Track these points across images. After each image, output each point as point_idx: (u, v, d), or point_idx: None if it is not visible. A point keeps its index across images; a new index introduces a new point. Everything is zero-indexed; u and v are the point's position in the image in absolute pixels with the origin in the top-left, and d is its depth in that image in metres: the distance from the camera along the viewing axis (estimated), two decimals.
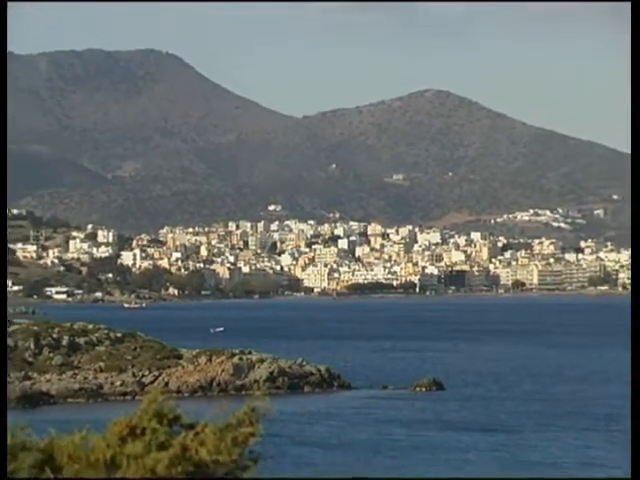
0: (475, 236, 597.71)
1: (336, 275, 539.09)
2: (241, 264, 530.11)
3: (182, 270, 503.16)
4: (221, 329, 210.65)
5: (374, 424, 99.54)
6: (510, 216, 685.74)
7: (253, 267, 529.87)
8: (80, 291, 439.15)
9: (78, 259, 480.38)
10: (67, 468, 10.51)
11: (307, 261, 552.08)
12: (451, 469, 77.59)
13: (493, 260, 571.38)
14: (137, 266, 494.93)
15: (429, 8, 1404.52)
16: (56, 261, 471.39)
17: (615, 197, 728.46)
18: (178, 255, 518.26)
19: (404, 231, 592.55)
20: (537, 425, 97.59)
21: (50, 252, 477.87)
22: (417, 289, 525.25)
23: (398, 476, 40.81)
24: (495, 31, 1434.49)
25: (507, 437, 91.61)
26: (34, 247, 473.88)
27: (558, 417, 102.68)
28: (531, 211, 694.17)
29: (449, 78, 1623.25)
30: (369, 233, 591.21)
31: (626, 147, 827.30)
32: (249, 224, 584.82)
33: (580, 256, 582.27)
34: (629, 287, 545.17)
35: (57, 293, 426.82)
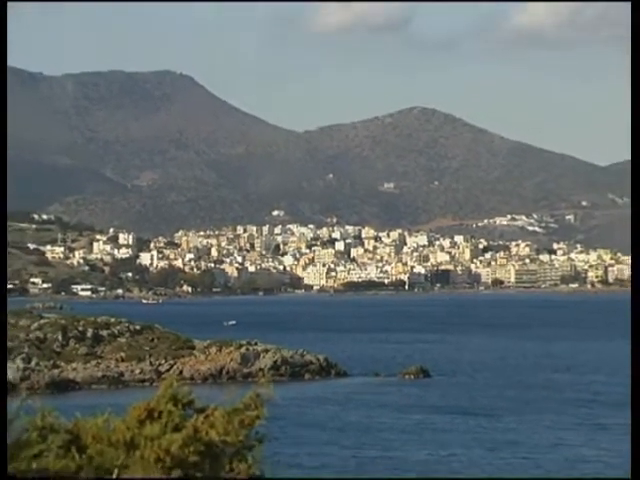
0: (458, 239, 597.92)
1: (333, 274, 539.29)
2: (248, 264, 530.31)
3: (195, 269, 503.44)
4: (233, 322, 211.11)
5: (366, 408, 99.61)
6: (490, 221, 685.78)
7: (258, 267, 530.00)
8: (103, 288, 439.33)
9: (101, 259, 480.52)
10: (91, 448, 10.56)
11: (307, 261, 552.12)
12: (434, 448, 77.65)
13: (474, 260, 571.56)
14: (154, 266, 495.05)
15: (418, 33, 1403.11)
16: (81, 261, 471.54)
17: (584, 204, 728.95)
18: (191, 256, 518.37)
19: (394, 234, 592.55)
20: (514, 409, 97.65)
21: (76, 253, 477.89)
22: (406, 287, 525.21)
23: (398, 476, 40.44)
24: (477, 54, 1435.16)
25: (486, 420, 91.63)
26: (61, 249, 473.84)
27: (534, 402, 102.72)
28: (509, 216, 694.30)
29: (435, 96, 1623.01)
30: (363, 236, 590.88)
31: (594, 159, 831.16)
32: (255, 228, 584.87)
33: (553, 257, 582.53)
34: (597, 285, 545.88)
35: (82, 290, 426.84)
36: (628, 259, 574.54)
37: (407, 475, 68.21)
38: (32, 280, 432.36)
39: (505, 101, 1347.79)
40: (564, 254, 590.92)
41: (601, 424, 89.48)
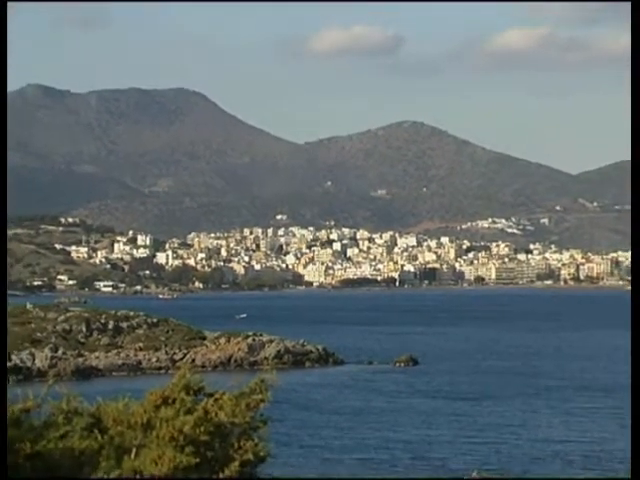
0: (444, 240, 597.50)
1: (331, 272, 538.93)
2: (254, 263, 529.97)
3: (206, 268, 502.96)
4: (244, 315, 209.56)
5: (360, 392, 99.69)
6: (472, 224, 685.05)
7: (264, 265, 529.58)
8: (123, 285, 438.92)
9: (121, 259, 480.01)
10: (112, 429, 10.57)
11: (307, 260, 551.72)
12: (421, 428, 77.62)
13: (459, 259, 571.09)
14: (169, 264, 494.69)
15: (408, 55, 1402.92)
16: (103, 260, 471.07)
17: (557, 208, 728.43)
18: (202, 255, 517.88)
19: (386, 236, 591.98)
20: (493, 394, 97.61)
21: (98, 253, 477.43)
22: (397, 283, 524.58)
23: (398, 476, 40.14)
24: (459, 74, 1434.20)
25: (467, 403, 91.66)
26: (85, 249, 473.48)
27: (512, 387, 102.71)
28: (489, 219, 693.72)
29: (423, 112, 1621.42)
30: (358, 237, 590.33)
31: (566, 167, 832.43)
32: (260, 230, 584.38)
33: (529, 256, 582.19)
34: (570, 282, 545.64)
35: (104, 286, 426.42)
36: (597, 258, 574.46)
37: (400, 473, 68.09)
38: (59, 277, 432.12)
39: (486, 116, 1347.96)
40: (539, 254, 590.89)
41: (570, 407, 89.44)
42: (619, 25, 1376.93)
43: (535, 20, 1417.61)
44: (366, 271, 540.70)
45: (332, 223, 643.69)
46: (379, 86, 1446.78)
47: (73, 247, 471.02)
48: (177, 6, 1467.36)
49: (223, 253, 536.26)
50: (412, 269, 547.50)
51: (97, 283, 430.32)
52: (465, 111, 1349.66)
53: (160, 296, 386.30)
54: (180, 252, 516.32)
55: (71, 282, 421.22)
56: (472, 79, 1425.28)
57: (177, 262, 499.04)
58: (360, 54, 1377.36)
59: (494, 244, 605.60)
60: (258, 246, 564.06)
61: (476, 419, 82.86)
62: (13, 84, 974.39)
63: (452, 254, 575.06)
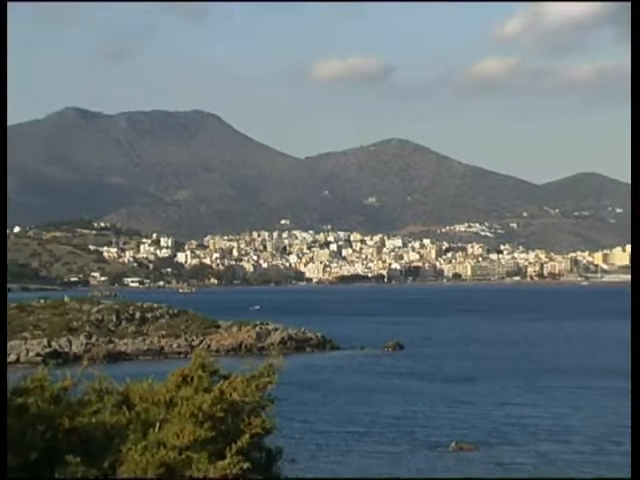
0: (426, 242, 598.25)
1: (328, 269, 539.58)
2: (261, 261, 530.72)
3: (220, 266, 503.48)
4: (257, 307, 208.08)
5: (353, 374, 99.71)
6: (451, 227, 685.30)
7: (270, 264, 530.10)
8: (148, 281, 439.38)
9: (146, 258, 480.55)
10: (138, 406, 10.52)
11: (308, 259, 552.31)
12: (405, 405, 77.59)
13: (439, 259, 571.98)
14: (188, 263, 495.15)
15: (397, 81, 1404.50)
16: (131, 259, 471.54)
17: (524, 214, 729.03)
18: (217, 255, 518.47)
19: (376, 238, 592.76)
20: (470, 376, 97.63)
21: (127, 253, 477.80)
22: (385, 279, 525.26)
23: (398, 476, 40.01)
24: (441, 97, 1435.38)
25: (447, 384, 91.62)
26: (115, 249, 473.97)
27: (486, 370, 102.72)
28: (466, 224, 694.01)
29: (408, 130, 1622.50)
30: (351, 240, 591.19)
31: (531, 179, 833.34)
32: (267, 233, 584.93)
33: (500, 256, 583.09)
34: (535, 278, 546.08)
35: (132, 282, 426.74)
36: (559, 257, 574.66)
37: (385, 444, 68.03)
38: (92, 274, 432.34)
39: (463, 134, 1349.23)
40: (509, 254, 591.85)
41: (537, 387, 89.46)
42: (583, 54, 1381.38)
43: (508, 50, 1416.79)
44: (359, 269, 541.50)
45: (329, 227, 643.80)
46: (371, 108, 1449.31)
47: (105, 248, 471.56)
48: (195, 39, 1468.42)
49: (235, 253, 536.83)
50: (398, 267, 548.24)
51: (125, 279, 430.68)
52: (445, 130, 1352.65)
53: (180, 290, 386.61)
54: (197, 252, 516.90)
55: (103, 278, 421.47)
56: (453, 103, 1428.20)
57: (195, 261, 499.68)
58: (355, 81, 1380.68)
59: (469, 245, 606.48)
60: (265, 247, 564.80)
61: (454, 397, 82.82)
62: (54, 107, 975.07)
63: (433, 254, 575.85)
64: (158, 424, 10.20)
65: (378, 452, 59.38)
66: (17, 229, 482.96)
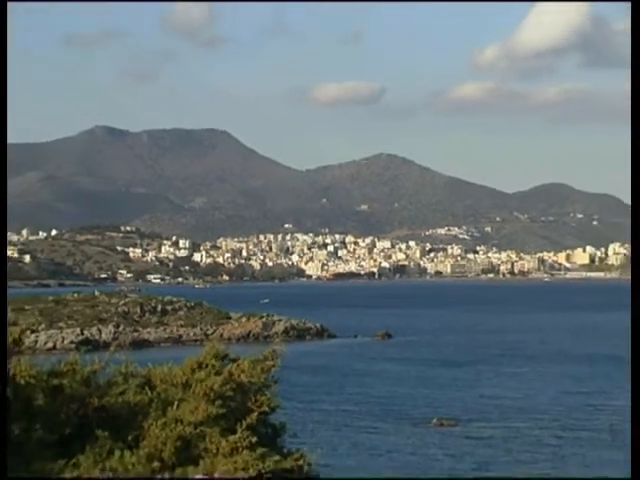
0: (411, 243, 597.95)
1: (326, 267, 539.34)
2: (267, 260, 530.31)
3: (231, 264, 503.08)
4: (267, 300, 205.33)
5: (347, 359, 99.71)
6: (433, 231, 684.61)
7: (275, 262, 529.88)
8: (168, 277, 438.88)
9: (167, 257, 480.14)
10: (159, 387, 10.54)
11: (308, 259, 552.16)
12: (392, 386, 77.61)
13: (422, 258, 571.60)
14: (203, 262, 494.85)
15: (388, 102, 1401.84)
16: (153, 259, 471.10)
17: (497, 219, 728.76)
18: (228, 255, 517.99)
19: (368, 240, 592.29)
20: (450, 360, 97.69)
21: (149, 253, 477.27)
22: (376, 276, 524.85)
23: (398, 476, 40.36)
24: (425, 117, 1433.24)
25: (429, 367, 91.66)
26: (139, 250, 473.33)
27: (464, 355, 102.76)
28: (446, 228, 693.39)
29: (396, 146, 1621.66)
30: (346, 242, 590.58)
31: (504, 188, 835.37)
32: (272, 236, 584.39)
33: (476, 256, 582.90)
34: (507, 275, 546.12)
35: (154, 278, 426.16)
36: (527, 257, 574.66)
37: (374, 420, 67.90)
38: (119, 272, 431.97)
39: (444, 149, 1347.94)
40: (484, 254, 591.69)
41: (508, 371, 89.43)
42: (551, 78, 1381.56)
43: (485, 75, 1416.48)
44: (352, 267, 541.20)
45: (327, 230, 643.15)
46: (364, 127, 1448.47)
47: (130, 249, 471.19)
48: (209, 64, 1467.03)
49: (244, 253, 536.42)
50: (387, 265, 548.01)
51: (148, 276, 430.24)
52: (428, 145, 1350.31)
53: (196, 286, 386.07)
54: (211, 252, 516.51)
55: (129, 275, 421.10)
56: (436, 121, 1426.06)
57: (209, 260, 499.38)
58: (351, 102, 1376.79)
59: (449, 246, 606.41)
60: (270, 248, 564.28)
61: (436, 380, 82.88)
62: (85, 125, 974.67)
63: (417, 254, 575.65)
64: (176, 403, 10.19)
65: (369, 427, 59.42)
66: (54, 232, 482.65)
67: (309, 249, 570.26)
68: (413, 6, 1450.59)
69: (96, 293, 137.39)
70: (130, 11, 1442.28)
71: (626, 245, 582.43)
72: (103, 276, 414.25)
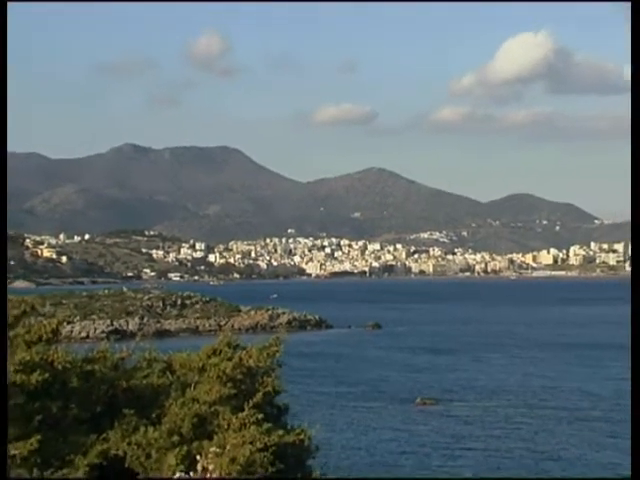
0: (398, 246, 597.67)
1: (324, 267, 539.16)
2: (273, 261, 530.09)
3: (241, 264, 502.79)
4: (275, 296, 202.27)
5: (341, 346, 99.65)
6: (417, 235, 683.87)
7: (279, 262, 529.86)
8: (186, 275, 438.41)
9: (185, 258, 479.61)
10: (178, 371, 10.54)
11: (308, 259, 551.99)
12: (380, 371, 77.52)
13: (408, 259, 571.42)
14: (217, 262, 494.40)
15: (379, 123, 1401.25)
16: (173, 259, 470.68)
17: (473, 225, 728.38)
18: (239, 256, 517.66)
19: (360, 243, 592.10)
20: (432, 348, 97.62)
21: (170, 254, 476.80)
22: (367, 275, 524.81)
23: (399, 476, 40.65)
24: (413, 135, 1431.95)
25: (413, 354, 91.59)
26: (161, 252, 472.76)
27: (446, 343, 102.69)
28: (428, 232, 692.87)
29: (385, 161, 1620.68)
30: (341, 244, 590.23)
31: (479, 197, 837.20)
32: (277, 239, 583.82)
33: (454, 257, 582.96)
34: (482, 273, 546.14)
35: (174, 276, 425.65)
36: (499, 258, 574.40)
37: (366, 400, 67.76)
38: (144, 271, 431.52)
39: (427, 164, 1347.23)
40: (461, 255, 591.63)
41: (485, 357, 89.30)
42: (520, 103, 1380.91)
43: (462, 101, 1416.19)
44: (347, 266, 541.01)
45: (324, 235, 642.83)
46: (357, 145, 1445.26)
47: (154, 250, 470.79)
48: (223, 90, 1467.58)
49: (252, 254, 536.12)
50: (377, 265, 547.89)
51: (169, 274, 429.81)
52: (413, 161, 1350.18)
53: (211, 283, 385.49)
54: (224, 254, 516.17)
55: (152, 274, 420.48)
56: (420, 140, 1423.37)
57: (222, 260, 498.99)
58: (346, 123, 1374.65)
59: (431, 249, 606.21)
60: (276, 250, 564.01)
61: (419, 365, 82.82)
62: (114, 143, 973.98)
63: (403, 255, 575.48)
64: (193, 385, 10.19)
65: (360, 406, 59.37)
66: (87, 236, 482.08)
67: (309, 251, 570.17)
68: (401, 40, 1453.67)
69: (124, 289, 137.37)
70: (157, 44, 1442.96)
71: (584, 247, 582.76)
72: (130, 275, 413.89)
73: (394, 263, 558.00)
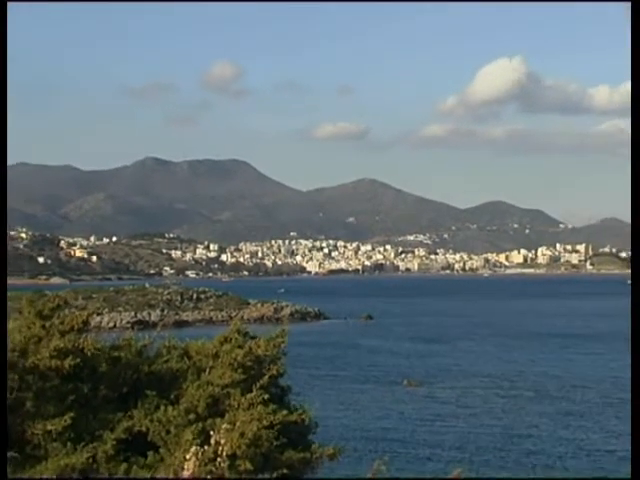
0: (388, 247, 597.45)
1: (322, 265, 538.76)
2: (277, 260, 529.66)
3: (250, 263, 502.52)
4: (282, 290, 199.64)
5: (337, 335, 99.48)
6: (404, 237, 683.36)
7: (283, 261, 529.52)
8: (202, 273, 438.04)
9: (201, 258, 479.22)
10: (194, 357, 10.51)
11: (308, 259, 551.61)
12: (370, 357, 77.40)
13: (396, 258, 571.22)
14: (228, 261, 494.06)
15: (372, 139, 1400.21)
16: (190, 259, 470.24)
17: (453, 228, 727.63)
18: (248, 256, 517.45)
19: (354, 245, 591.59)
20: (417, 337, 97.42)
21: (187, 254, 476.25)
22: (360, 272, 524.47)
23: (399, 477, 40.37)
24: (403, 149, 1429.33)
25: (401, 342, 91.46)
26: (180, 252, 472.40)
27: (430, 333, 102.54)
28: (414, 235, 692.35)
29: (377, 172, 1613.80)
30: (338, 245, 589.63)
31: (458, 204, 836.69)
32: (281, 241, 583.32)
33: (437, 257, 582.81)
34: (460, 271, 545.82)
35: (191, 274, 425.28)
36: (476, 257, 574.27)
37: (357, 381, 67.53)
38: (164, 269, 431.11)
39: (414, 174, 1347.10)
40: (442, 255, 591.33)
41: (463, 345, 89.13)
42: (497, 121, 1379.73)
43: (447, 119, 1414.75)
44: (342, 265, 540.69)
45: (323, 237, 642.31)
46: (352, 158, 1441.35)
47: (173, 251, 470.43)
48: (235, 109, 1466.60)
49: (259, 254, 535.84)
50: (369, 264, 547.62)
51: (187, 272, 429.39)
52: (401, 172, 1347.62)
53: (223, 279, 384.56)
54: (234, 254, 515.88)
55: (171, 271, 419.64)
56: (408, 153, 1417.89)
57: (233, 260, 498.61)
58: (342, 139, 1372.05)
59: (416, 249, 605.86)
60: (280, 250, 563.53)
61: (405, 351, 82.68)
62: (138, 156, 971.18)
63: (392, 255, 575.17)
64: (208, 369, 10.15)
65: (352, 388, 59.29)
66: (114, 239, 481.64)
67: (309, 251, 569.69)
68: (393, 67, 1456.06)
69: (146, 285, 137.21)
70: (176, 70, 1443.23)
71: (551, 248, 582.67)
72: (152, 272, 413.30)
73: (384, 262, 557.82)
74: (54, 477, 7.56)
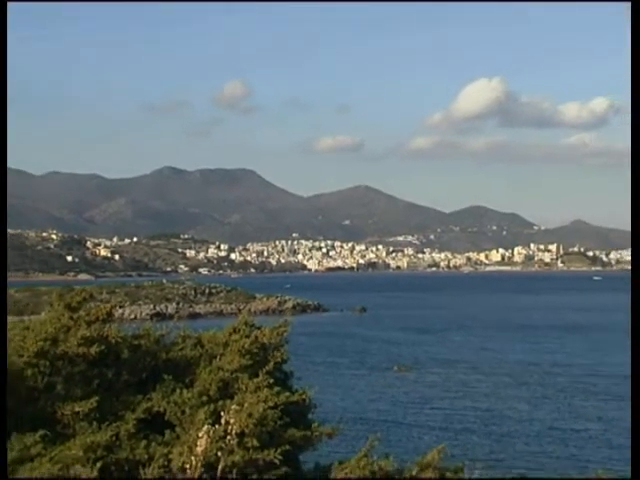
0: (380, 247, 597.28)
1: (321, 263, 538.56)
2: (281, 259, 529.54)
3: (256, 261, 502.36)
4: (288, 286, 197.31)
5: (334, 326, 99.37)
6: (395, 238, 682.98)
7: (286, 260, 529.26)
8: (213, 270, 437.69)
9: (212, 256, 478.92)
10: (207, 346, 10.52)
11: (309, 257, 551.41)
12: (364, 346, 77.30)
13: (387, 257, 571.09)
14: (237, 259, 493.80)
15: (366, 151, 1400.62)
16: (203, 257, 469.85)
17: (438, 230, 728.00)
18: (254, 255, 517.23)
19: (350, 245, 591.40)
20: (407, 327, 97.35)
21: (200, 253, 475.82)
22: (355, 270, 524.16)
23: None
24: (394, 160, 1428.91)
25: (393, 332, 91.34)
26: (193, 251, 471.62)
27: (421, 324, 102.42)
28: (404, 236, 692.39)
29: (370, 180, 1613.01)
30: (335, 245, 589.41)
31: (443, 208, 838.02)
32: (284, 242, 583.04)
33: (424, 255, 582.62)
34: (445, 269, 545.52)
35: (204, 271, 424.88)
36: (459, 256, 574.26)
37: (351, 368, 67.27)
38: (180, 266, 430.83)
39: (404, 182, 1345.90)
40: (429, 254, 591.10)
41: (448, 335, 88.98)
42: (478, 134, 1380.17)
43: (433, 132, 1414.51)
44: (339, 263, 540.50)
45: (322, 238, 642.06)
46: (348, 167, 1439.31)
47: (187, 250, 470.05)
48: (243, 125, 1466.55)
49: (265, 254, 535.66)
50: (363, 262, 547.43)
51: (200, 269, 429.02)
52: (393, 179, 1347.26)
53: (232, 276, 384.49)
54: (243, 253, 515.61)
55: (186, 269, 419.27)
56: (398, 163, 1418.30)
57: (241, 258, 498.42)
58: (340, 151, 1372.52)
59: (405, 249, 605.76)
60: (283, 250, 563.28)
61: (396, 340, 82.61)
62: (156, 166, 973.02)
63: (384, 254, 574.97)
64: (218, 356, 10.17)
65: (348, 373, 59.25)
66: (135, 239, 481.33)
67: (309, 250, 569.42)
68: (385, 87, 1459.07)
69: (164, 281, 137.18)
70: (191, 89, 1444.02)
71: (526, 248, 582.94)
72: (168, 269, 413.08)
73: (376, 260, 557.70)
74: (54, 477, 7.41)
